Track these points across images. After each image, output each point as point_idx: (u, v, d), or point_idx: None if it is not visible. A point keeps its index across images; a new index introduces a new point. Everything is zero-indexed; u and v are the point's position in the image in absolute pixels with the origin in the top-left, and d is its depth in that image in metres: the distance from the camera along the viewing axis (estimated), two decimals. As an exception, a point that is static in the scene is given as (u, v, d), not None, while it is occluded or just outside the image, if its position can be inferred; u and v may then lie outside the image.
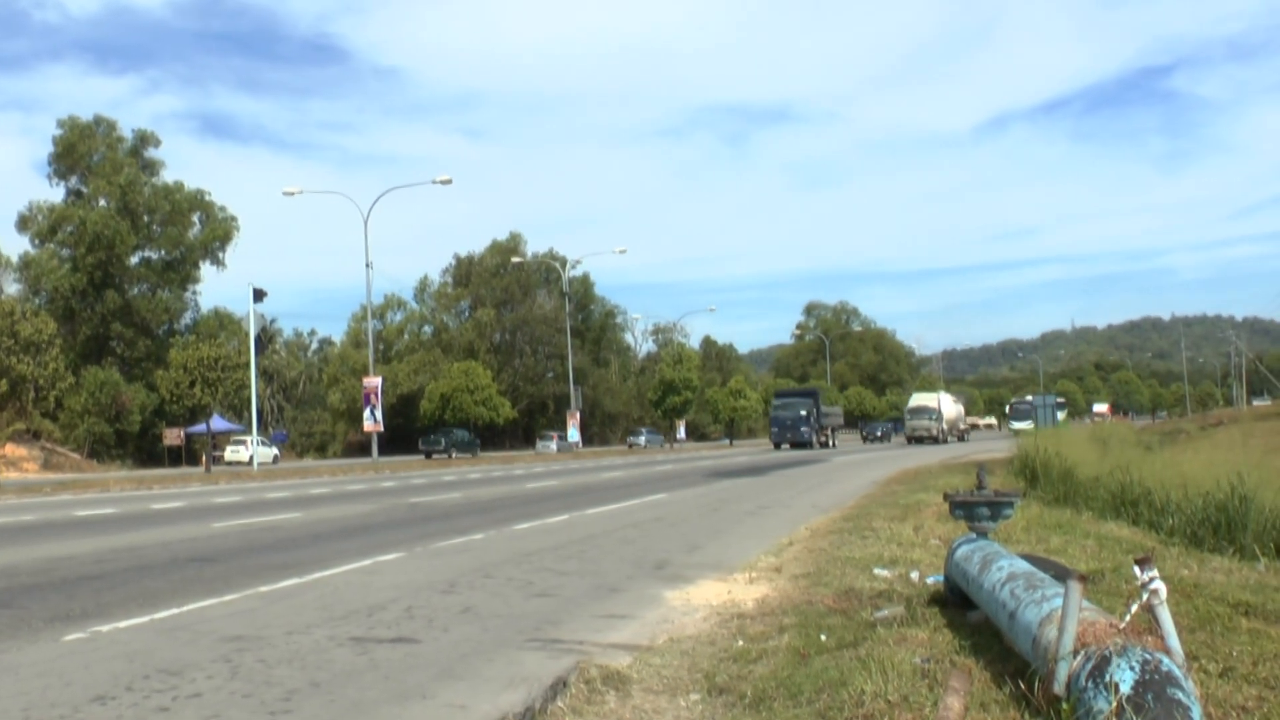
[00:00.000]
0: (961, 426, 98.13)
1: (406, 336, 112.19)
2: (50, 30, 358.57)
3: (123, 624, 8.99)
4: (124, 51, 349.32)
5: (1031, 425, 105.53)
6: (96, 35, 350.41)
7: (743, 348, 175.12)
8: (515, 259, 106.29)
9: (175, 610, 9.64)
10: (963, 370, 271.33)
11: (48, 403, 65.97)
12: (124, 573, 12.44)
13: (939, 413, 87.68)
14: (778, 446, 79.49)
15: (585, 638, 8.30)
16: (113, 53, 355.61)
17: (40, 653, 7.94)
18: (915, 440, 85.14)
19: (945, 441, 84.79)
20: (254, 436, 60.01)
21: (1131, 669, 4.45)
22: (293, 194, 59.14)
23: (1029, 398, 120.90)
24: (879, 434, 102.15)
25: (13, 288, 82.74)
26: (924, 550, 12.26)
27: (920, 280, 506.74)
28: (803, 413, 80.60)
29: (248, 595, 10.51)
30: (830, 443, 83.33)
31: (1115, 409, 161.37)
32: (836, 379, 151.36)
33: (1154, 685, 4.36)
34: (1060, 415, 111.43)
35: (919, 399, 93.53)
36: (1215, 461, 16.44)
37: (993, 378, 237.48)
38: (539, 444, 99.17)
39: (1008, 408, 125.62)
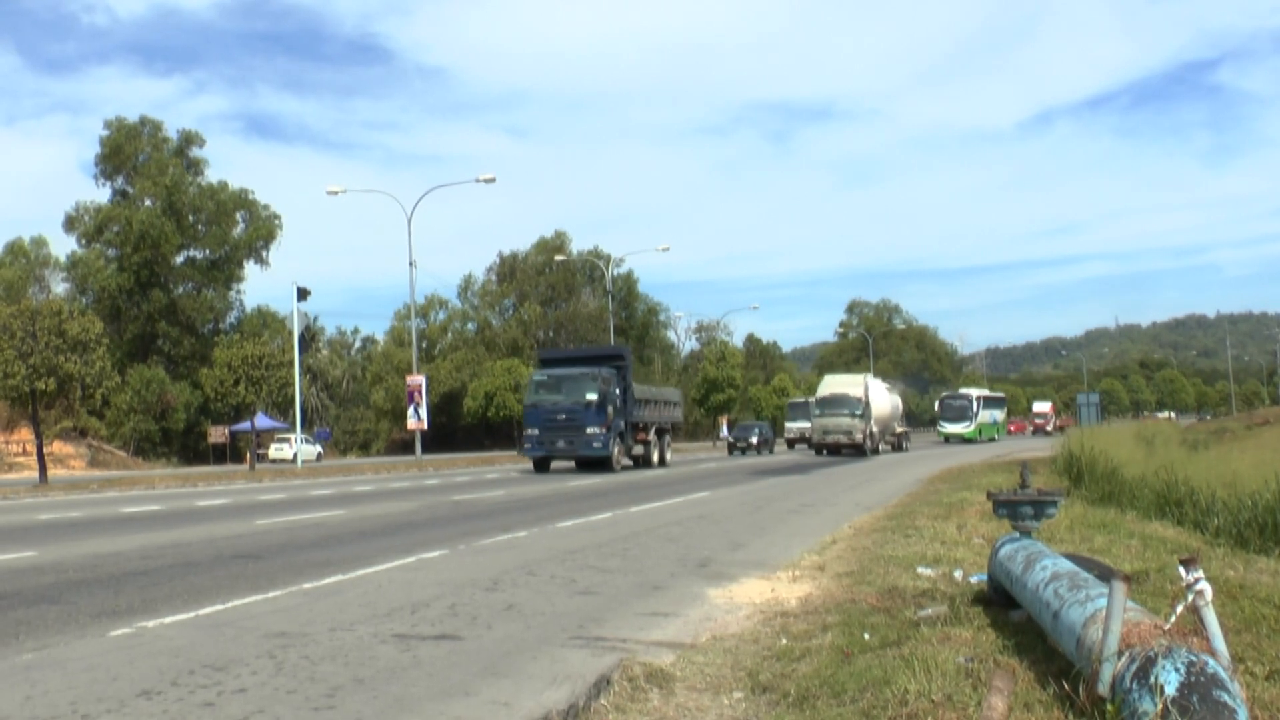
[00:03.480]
0: (898, 429, 68.61)
1: (450, 335, 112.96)
2: (98, 33, 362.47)
3: (168, 620, 9.06)
4: (170, 53, 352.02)
5: (967, 429, 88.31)
6: (143, 37, 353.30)
7: (786, 345, 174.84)
8: (559, 257, 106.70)
9: (220, 606, 9.71)
10: (1005, 369, 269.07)
11: (94, 401, 66.48)
12: (169, 569, 12.54)
13: (865, 406, 57.38)
14: (540, 467, 42.10)
15: (628, 635, 8.29)
16: (159, 54, 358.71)
17: (87, 648, 8.01)
18: (828, 449, 56.98)
19: (875, 451, 58.16)
20: (298, 434, 60.41)
21: (1176, 670, 4.42)
22: (336, 193, 59.37)
23: (965, 391, 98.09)
24: (754, 440, 66.87)
25: (60, 287, 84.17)
26: (967, 549, 12.20)
27: (963, 277, 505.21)
28: (590, 397, 39.71)
29: (292, 592, 10.56)
30: (655, 456, 45.21)
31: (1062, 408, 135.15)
32: (879, 377, 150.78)
33: (1199, 687, 4.33)
34: (999, 416, 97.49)
35: (834, 383, 61.95)
36: (1262, 461, 16.29)
37: (1036, 376, 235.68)
38: None
39: (936, 404, 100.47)
